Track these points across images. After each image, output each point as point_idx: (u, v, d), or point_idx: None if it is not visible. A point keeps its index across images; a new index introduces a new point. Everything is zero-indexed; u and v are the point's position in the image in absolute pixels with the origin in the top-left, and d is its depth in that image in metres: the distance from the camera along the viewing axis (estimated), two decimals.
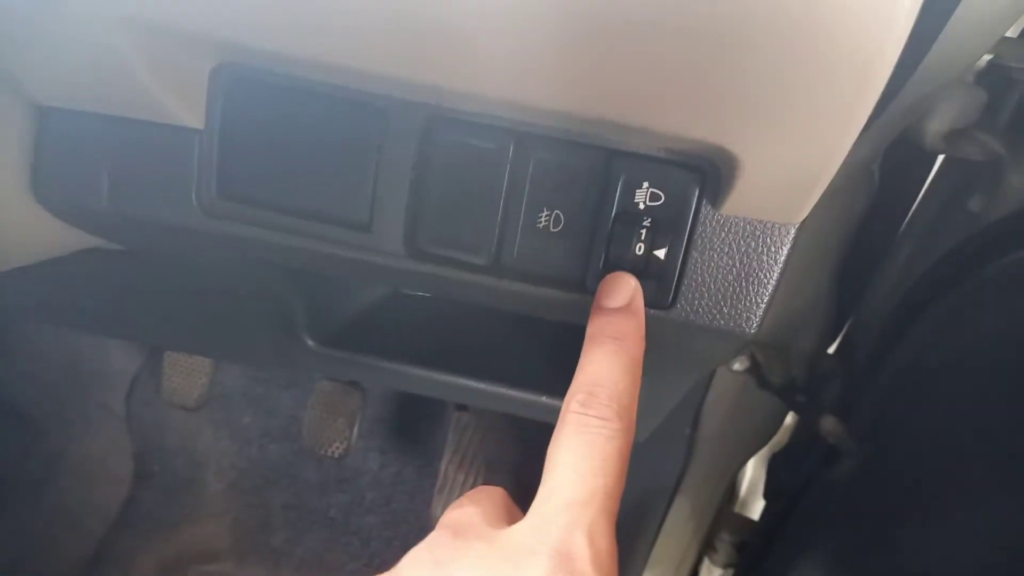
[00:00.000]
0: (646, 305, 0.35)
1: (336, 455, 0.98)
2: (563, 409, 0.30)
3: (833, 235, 0.39)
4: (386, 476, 1.06)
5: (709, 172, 0.33)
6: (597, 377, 0.30)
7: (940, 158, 0.60)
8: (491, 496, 0.32)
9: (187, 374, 1.01)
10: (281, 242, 0.37)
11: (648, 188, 0.34)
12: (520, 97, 0.31)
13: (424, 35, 0.29)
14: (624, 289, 0.33)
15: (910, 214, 0.63)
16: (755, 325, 0.35)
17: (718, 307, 0.35)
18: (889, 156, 0.52)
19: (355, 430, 0.97)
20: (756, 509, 0.88)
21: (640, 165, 0.34)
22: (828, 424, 0.59)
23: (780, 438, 0.78)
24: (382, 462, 1.06)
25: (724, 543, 0.83)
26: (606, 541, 0.27)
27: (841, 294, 0.64)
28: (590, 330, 0.32)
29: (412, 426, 1.06)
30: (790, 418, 0.75)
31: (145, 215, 0.37)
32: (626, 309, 0.33)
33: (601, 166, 0.34)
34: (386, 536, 1.04)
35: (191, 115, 0.35)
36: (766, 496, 0.75)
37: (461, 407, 0.95)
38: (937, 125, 0.52)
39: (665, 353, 0.44)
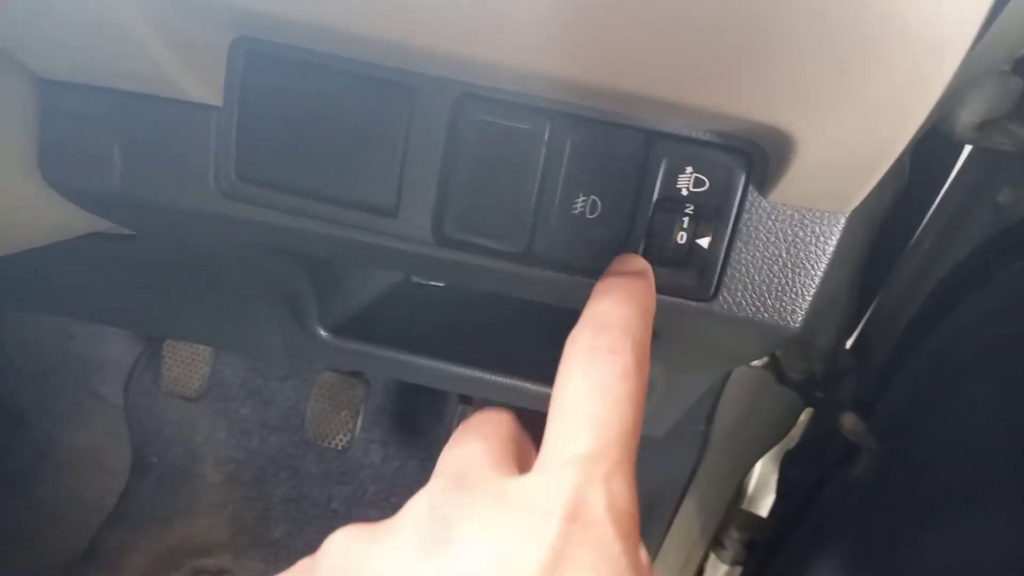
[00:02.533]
0: (685, 297, 0.34)
1: (339, 447, 0.97)
2: (568, 344, 0.26)
3: (861, 225, 0.38)
4: (388, 469, 1.04)
5: (756, 156, 0.32)
6: (608, 312, 0.26)
7: (967, 148, 0.59)
8: (498, 428, 0.27)
9: (187, 363, 0.99)
10: (302, 227, 0.35)
11: (692, 173, 0.32)
12: (557, 70, 0.29)
13: (450, 2, 0.27)
14: (636, 263, 0.30)
15: (934, 206, 0.61)
16: (800, 319, 0.34)
17: (762, 299, 0.34)
18: (915, 146, 0.51)
19: (359, 422, 0.96)
20: (765, 506, 0.87)
21: (684, 148, 0.32)
22: (849, 421, 0.57)
23: (791, 434, 0.77)
24: (384, 455, 1.04)
25: (732, 540, 0.82)
26: (626, 497, 0.23)
27: (860, 287, 0.62)
28: (598, 286, 0.29)
29: (415, 419, 1.04)
30: (803, 414, 0.74)
31: (159, 197, 0.35)
32: (639, 273, 0.30)
33: (642, 149, 0.32)
34: None
35: (208, 91, 0.33)
36: (778, 493, 0.74)
37: (465, 399, 0.94)
38: (969, 115, 0.50)
39: (701, 347, 0.43)
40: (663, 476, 0.69)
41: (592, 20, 0.26)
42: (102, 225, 0.41)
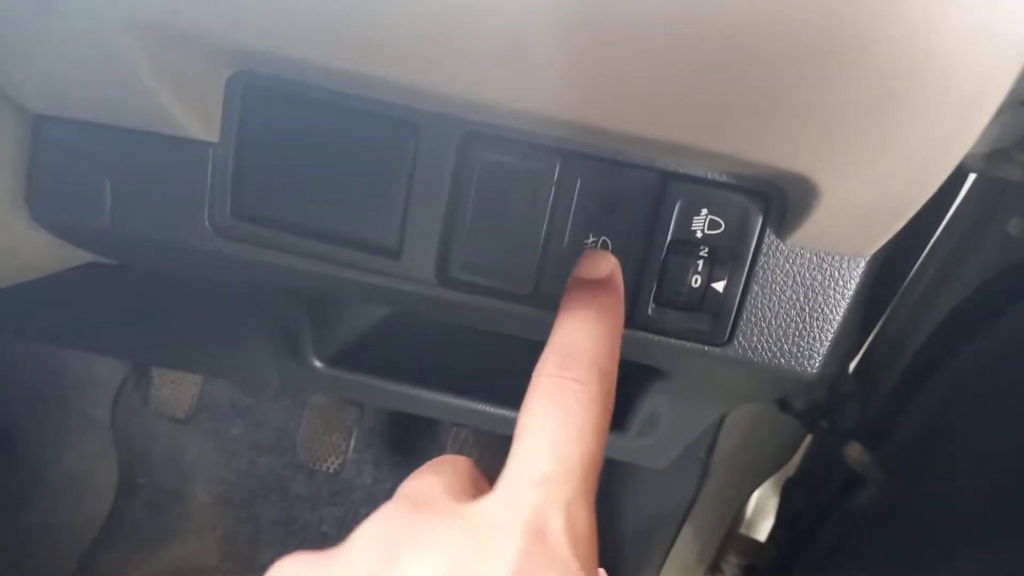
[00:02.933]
0: (699, 341, 0.33)
1: (331, 470, 0.95)
2: (535, 373, 0.26)
3: None
4: (380, 491, 1.03)
5: (775, 198, 0.31)
6: (574, 340, 0.26)
7: (971, 177, 0.58)
8: (455, 466, 0.28)
9: (177, 385, 0.97)
10: (300, 267, 0.34)
11: (707, 215, 0.31)
12: (568, 113, 0.28)
13: (461, 41, 0.26)
14: (603, 263, 0.30)
15: (937, 233, 0.60)
16: (817, 364, 0.33)
17: (778, 345, 0.33)
18: None
19: (351, 445, 0.94)
20: (763, 530, 0.86)
21: (699, 189, 0.31)
22: (853, 451, 0.56)
23: (791, 460, 0.76)
24: (376, 476, 1.03)
25: (731, 565, 0.81)
26: (585, 521, 0.23)
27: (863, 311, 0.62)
28: (564, 301, 0.28)
29: (407, 440, 1.03)
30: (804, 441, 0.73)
31: (151, 235, 0.34)
32: (605, 281, 0.29)
33: (655, 189, 0.31)
34: None
35: (204, 127, 0.32)
36: (780, 522, 0.73)
37: (457, 423, 0.93)
38: (978, 145, 0.49)
39: (712, 388, 0.42)
40: (663, 504, 0.68)
41: (606, 65, 0.25)
42: (90, 257, 0.40)
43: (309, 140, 0.32)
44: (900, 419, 0.56)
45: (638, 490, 0.71)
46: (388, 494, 0.91)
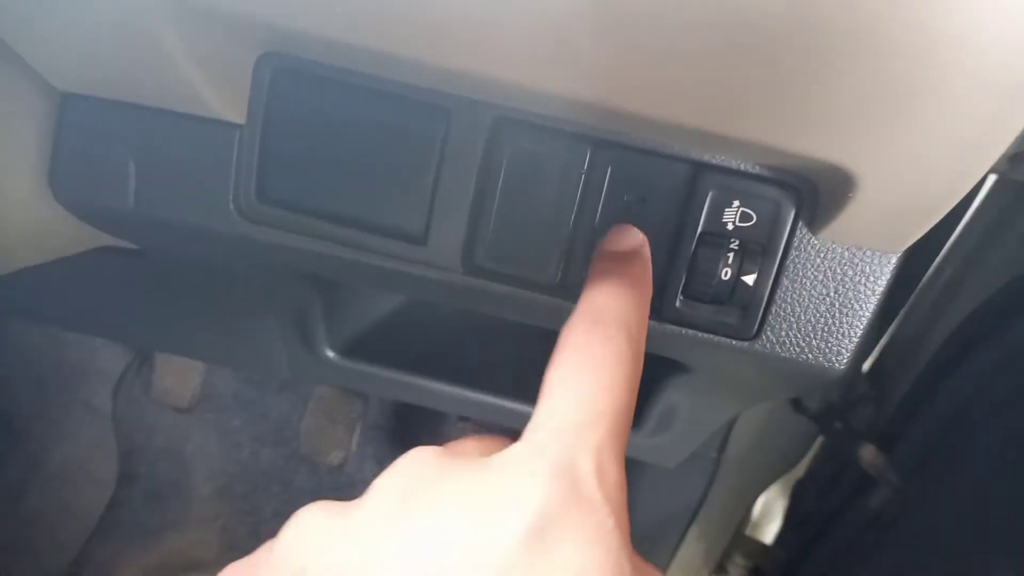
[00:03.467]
0: (727, 335, 0.32)
1: (335, 464, 0.94)
2: (563, 335, 0.25)
3: None
4: None
5: (808, 192, 0.30)
6: (602, 303, 0.26)
7: (991, 178, 0.58)
8: (500, 441, 0.26)
9: (180, 373, 0.97)
10: (324, 252, 0.34)
11: (739, 207, 0.31)
12: (601, 98, 0.27)
13: (495, 23, 0.25)
14: (631, 236, 0.30)
15: (956, 233, 0.60)
16: (845, 361, 0.32)
17: (807, 340, 0.32)
18: None
19: (355, 438, 0.94)
20: (769, 532, 0.85)
21: (731, 181, 0.30)
22: (868, 454, 0.56)
23: (799, 463, 0.76)
24: (378, 471, 1.02)
25: (737, 567, 0.81)
26: (615, 469, 0.22)
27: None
28: (592, 271, 0.28)
29: (411, 434, 1.03)
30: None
31: (175, 218, 0.33)
32: (633, 252, 0.29)
33: (686, 180, 0.31)
34: None
35: (231, 108, 0.32)
36: (789, 523, 0.72)
37: (464, 416, 0.92)
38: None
39: (736, 384, 0.41)
40: (672, 502, 0.68)
41: (640, 48, 0.25)
42: (108, 239, 0.39)
43: (337, 123, 0.32)
44: (914, 422, 0.55)
45: (646, 489, 0.70)
46: None
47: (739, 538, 0.80)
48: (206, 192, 0.33)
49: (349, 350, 0.50)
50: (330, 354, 0.50)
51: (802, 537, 0.68)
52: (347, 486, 1.01)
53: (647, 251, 0.29)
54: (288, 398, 1.01)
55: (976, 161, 0.26)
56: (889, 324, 0.65)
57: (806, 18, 0.22)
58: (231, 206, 0.33)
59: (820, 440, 0.72)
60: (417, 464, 0.22)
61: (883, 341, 0.66)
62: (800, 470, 0.75)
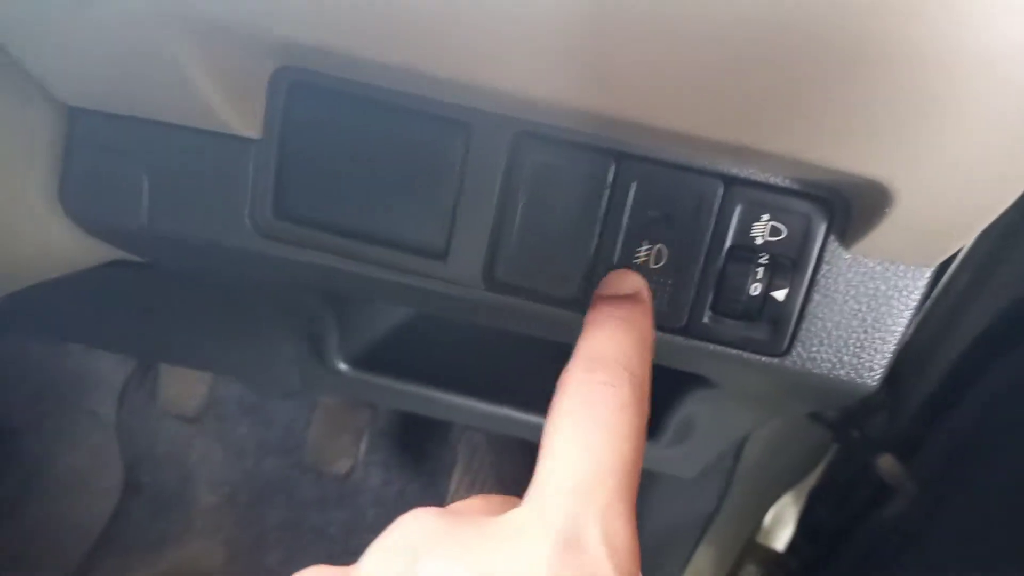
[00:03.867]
0: (756, 351, 0.32)
1: (341, 472, 0.94)
2: (561, 380, 0.24)
3: None
4: (389, 493, 1.01)
5: (840, 206, 0.29)
6: (601, 347, 0.25)
7: None
8: (506, 502, 0.25)
9: (186, 382, 0.96)
10: (342, 269, 0.33)
11: (768, 221, 0.30)
12: (626, 112, 0.27)
13: (515, 35, 0.24)
14: (629, 280, 0.29)
15: (972, 240, 0.59)
16: (877, 377, 0.32)
17: (838, 356, 0.31)
18: None
19: (362, 447, 0.93)
20: (781, 539, 0.85)
21: (760, 195, 0.30)
22: (886, 463, 0.55)
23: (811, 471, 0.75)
24: (385, 479, 1.01)
25: (749, 575, 0.80)
26: (624, 531, 0.21)
27: None
28: (589, 316, 0.27)
29: (418, 442, 1.02)
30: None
31: (189, 234, 0.32)
32: (633, 296, 0.28)
33: (714, 194, 0.30)
34: None
35: (246, 123, 0.31)
36: (801, 533, 0.72)
37: (470, 426, 0.91)
38: None
39: (763, 400, 0.40)
40: (684, 513, 0.67)
41: (664, 58, 0.24)
42: (120, 254, 0.39)
43: (355, 138, 0.31)
44: (934, 432, 0.55)
45: (659, 499, 0.70)
46: (398, 497, 0.90)
47: (751, 546, 0.79)
48: (221, 208, 0.32)
49: (361, 362, 0.49)
50: (342, 366, 0.49)
51: (816, 548, 0.67)
52: (353, 494, 1.00)
53: (647, 295, 0.29)
54: (293, 406, 1.00)
55: (1021, 172, 0.25)
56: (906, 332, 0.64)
57: (842, 26, 0.22)
58: (247, 222, 0.32)
59: (834, 448, 0.71)
60: (419, 524, 0.21)
61: (900, 349, 0.65)
62: (813, 478, 0.74)
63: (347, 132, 0.31)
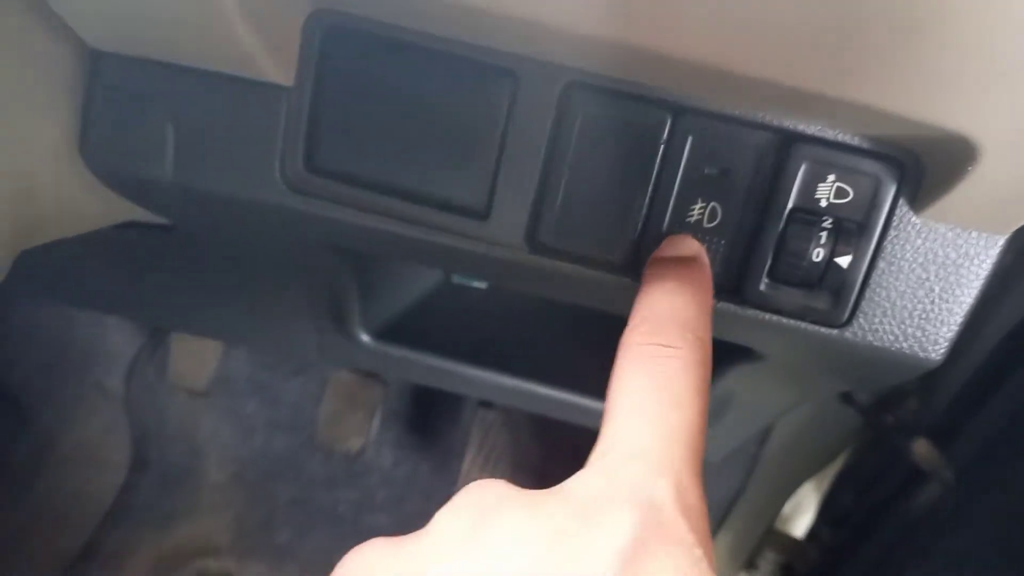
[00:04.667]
0: (815, 322, 0.30)
1: (353, 450, 0.93)
2: (622, 344, 0.24)
3: None
4: (399, 473, 1.00)
5: (911, 166, 0.28)
6: (662, 307, 0.24)
7: None
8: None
9: (196, 356, 0.94)
10: (376, 227, 0.31)
11: (834, 182, 0.28)
12: (693, 55, 0.25)
13: None
14: (688, 244, 0.28)
15: None
16: (943, 351, 0.30)
17: (901, 328, 0.30)
18: None
19: (374, 425, 0.92)
20: (800, 526, 0.83)
21: (827, 153, 0.28)
22: (921, 449, 0.53)
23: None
24: (395, 458, 1.00)
25: (768, 562, 0.79)
26: (695, 494, 0.21)
27: None
28: (647, 276, 0.27)
29: (429, 421, 1.00)
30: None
31: (215, 187, 0.31)
32: (692, 258, 0.28)
33: (777, 151, 0.28)
34: None
35: (279, 69, 0.29)
36: (825, 519, 0.70)
37: (485, 403, 0.90)
38: None
39: (813, 375, 0.39)
40: (708, 497, 0.65)
41: None
42: (137, 213, 0.37)
43: (393, 88, 0.29)
44: (972, 418, 0.53)
45: None
46: (409, 477, 0.88)
47: (770, 533, 0.78)
48: (250, 160, 0.30)
49: (382, 333, 0.48)
50: (364, 337, 0.47)
51: (841, 534, 0.65)
52: (363, 473, 0.99)
53: (706, 259, 0.28)
54: (304, 382, 0.99)
55: None
56: None
57: None
58: (277, 175, 0.30)
59: (861, 433, 0.70)
60: (484, 492, 0.20)
61: None
62: (838, 464, 0.72)
63: (385, 81, 0.29)
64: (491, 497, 0.20)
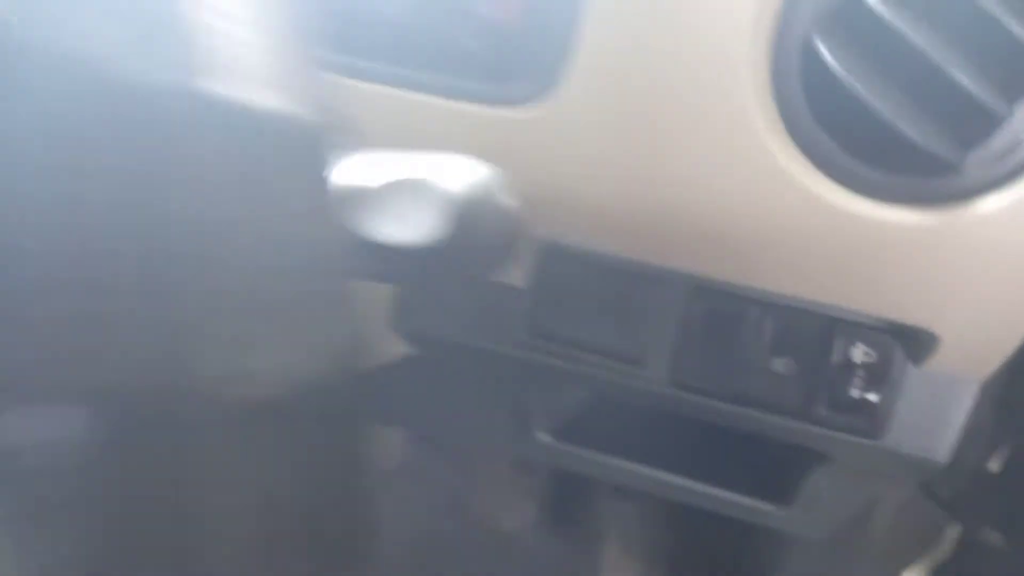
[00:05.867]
0: (859, 435, 0.45)
1: (503, 530, 0.98)
2: None
3: None
4: (541, 555, 0.97)
5: (910, 338, 0.43)
6: None
7: None
8: None
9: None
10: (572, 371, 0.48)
11: (862, 348, 0.44)
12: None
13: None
14: None
15: None
16: (947, 453, 0.45)
17: (918, 438, 0.45)
18: None
19: (524, 507, 0.97)
20: None
21: (857, 331, 0.44)
22: (995, 540, 0.61)
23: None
24: (537, 540, 0.96)
25: None
26: None
27: (998, 408, 0.66)
28: None
29: (572, 505, 0.98)
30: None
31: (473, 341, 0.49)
32: None
33: (827, 330, 0.45)
34: None
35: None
36: None
37: (622, 491, 0.96)
38: None
39: (868, 473, 0.53)
40: None
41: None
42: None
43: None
44: None
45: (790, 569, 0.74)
46: (548, 562, 0.85)
47: None
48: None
49: (562, 433, 0.57)
50: (544, 438, 0.58)
51: None
52: (509, 553, 0.98)
53: None
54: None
55: None
56: (1018, 417, 0.69)
57: None
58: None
59: (959, 530, 0.75)
60: None
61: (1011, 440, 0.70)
62: (934, 558, 0.76)
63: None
64: None
